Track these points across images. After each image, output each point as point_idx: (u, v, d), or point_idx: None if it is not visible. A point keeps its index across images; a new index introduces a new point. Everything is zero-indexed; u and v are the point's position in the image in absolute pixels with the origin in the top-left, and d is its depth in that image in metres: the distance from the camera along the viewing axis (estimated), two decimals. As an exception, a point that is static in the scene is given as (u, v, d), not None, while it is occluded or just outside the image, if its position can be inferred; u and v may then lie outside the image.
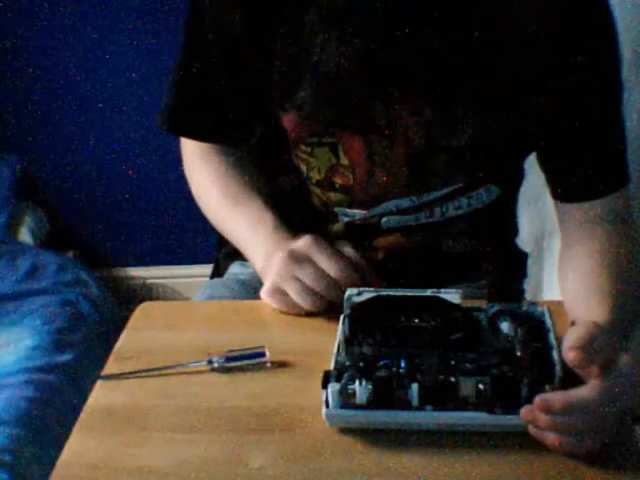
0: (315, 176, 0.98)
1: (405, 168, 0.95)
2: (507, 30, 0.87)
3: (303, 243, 0.89)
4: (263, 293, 0.91)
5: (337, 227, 1.02)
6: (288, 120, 0.94)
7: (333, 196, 0.99)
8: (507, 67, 0.88)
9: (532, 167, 1.06)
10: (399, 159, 0.94)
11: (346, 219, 1.01)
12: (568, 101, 0.91)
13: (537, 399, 0.71)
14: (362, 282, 0.89)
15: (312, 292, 0.88)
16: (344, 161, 0.95)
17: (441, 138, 0.92)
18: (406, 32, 0.86)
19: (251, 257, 0.98)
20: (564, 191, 0.96)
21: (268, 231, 0.95)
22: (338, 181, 0.97)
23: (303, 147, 0.96)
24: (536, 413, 0.71)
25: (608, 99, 0.93)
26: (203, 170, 1.04)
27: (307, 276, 0.87)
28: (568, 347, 0.71)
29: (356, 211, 0.99)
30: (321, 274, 0.87)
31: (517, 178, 1.09)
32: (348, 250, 0.92)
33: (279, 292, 0.90)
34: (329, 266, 0.87)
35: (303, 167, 0.98)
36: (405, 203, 0.98)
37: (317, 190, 0.99)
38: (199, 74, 0.98)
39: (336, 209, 1.00)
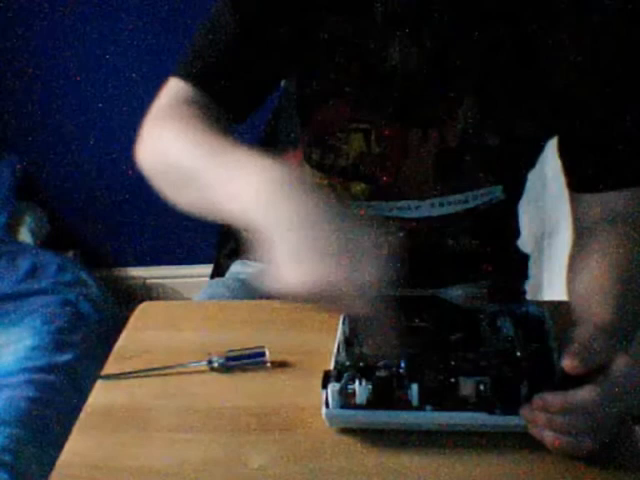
0: (342, 163, 0.98)
1: (432, 165, 0.95)
2: (551, 32, 0.88)
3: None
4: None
5: None
6: (332, 107, 0.95)
7: (354, 186, 0.99)
8: (548, 67, 0.89)
9: (532, 168, 1.06)
10: (429, 153, 0.95)
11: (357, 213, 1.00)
12: (597, 92, 0.91)
13: (536, 398, 0.71)
14: None
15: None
16: (375, 149, 0.95)
17: (474, 136, 0.92)
18: (462, 32, 0.87)
19: (234, 195, 0.73)
20: (582, 180, 0.96)
21: (256, 162, 0.73)
22: (363, 169, 0.97)
23: (339, 134, 0.96)
24: (535, 412, 0.71)
25: (634, 91, 0.93)
26: (187, 119, 0.87)
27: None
28: (566, 355, 0.72)
29: (374, 203, 0.99)
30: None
31: (522, 182, 1.09)
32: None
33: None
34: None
35: (330, 156, 0.98)
36: (425, 205, 0.98)
37: (337, 183, 0.99)
38: (240, 40, 0.91)
39: (350, 203, 1.00)
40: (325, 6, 0.89)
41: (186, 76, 0.92)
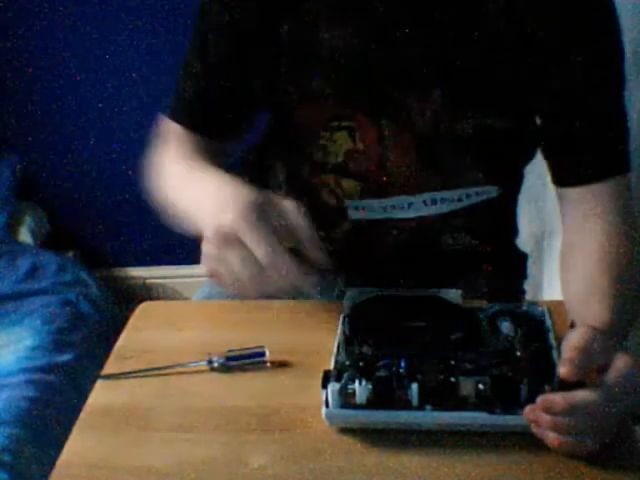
0: (332, 160, 0.98)
1: (414, 156, 0.95)
2: (513, 19, 0.89)
3: (231, 218, 0.74)
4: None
5: (347, 226, 1.02)
6: (305, 108, 0.96)
7: (346, 184, 0.99)
8: (512, 55, 0.90)
9: (532, 168, 1.06)
10: (408, 145, 0.95)
11: (356, 214, 1.01)
12: (571, 84, 0.91)
13: (540, 399, 0.71)
14: (301, 270, 0.75)
15: (242, 279, 0.76)
16: (359, 146, 0.96)
17: (447, 124, 0.93)
18: (417, 18, 0.88)
19: (197, 214, 0.83)
20: (565, 174, 0.96)
21: (218, 183, 0.83)
22: (353, 167, 0.98)
23: (322, 132, 0.97)
24: (538, 413, 0.71)
25: (610, 85, 0.93)
26: (173, 151, 0.99)
27: (232, 262, 0.75)
28: (561, 360, 0.72)
29: (367, 202, 0.99)
30: (247, 260, 0.74)
31: (517, 179, 1.09)
32: (293, 218, 0.77)
33: (216, 273, 0.79)
34: (258, 250, 0.74)
35: (320, 154, 0.98)
36: (417, 202, 0.98)
37: (331, 179, 1.00)
38: (207, 68, 0.99)
39: (347, 202, 1.00)
40: (305, 7, 0.90)
41: (173, 117, 1.02)
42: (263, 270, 0.74)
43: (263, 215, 0.74)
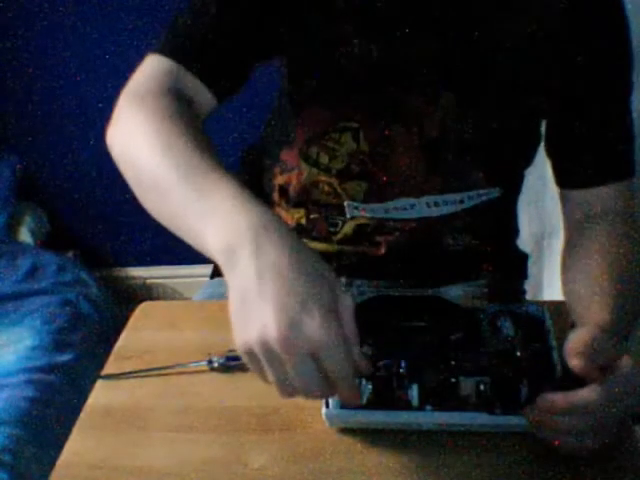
0: (337, 165, 0.98)
1: (418, 157, 0.95)
2: (520, 21, 0.89)
3: (277, 335, 0.61)
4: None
5: (347, 229, 1.02)
6: (307, 109, 0.96)
7: (349, 186, 0.99)
8: (517, 57, 0.90)
9: (532, 169, 1.06)
10: (412, 146, 0.95)
11: (356, 213, 1.00)
12: (578, 88, 0.92)
13: (539, 399, 0.71)
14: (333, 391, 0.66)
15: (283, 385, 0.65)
16: (364, 147, 0.96)
17: (450, 126, 0.93)
18: (418, 18, 0.88)
19: (199, 235, 0.70)
20: (569, 176, 0.97)
21: (227, 194, 0.68)
22: (357, 168, 0.97)
23: (332, 134, 0.96)
24: (538, 413, 0.71)
25: (617, 89, 0.94)
26: (159, 106, 0.82)
27: (273, 374, 0.64)
28: (572, 354, 0.72)
29: (370, 206, 0.99)
30: (287, 379, 0.63)
31: (518, 180, 1.10)
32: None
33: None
34: (296, 374, 0.62)
35: (324, 158, 0.98)
36: (419, 204, 0.98)
37: (335, 182, 0.99)
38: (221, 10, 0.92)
39: (346, 203, 1.00)
40: (306, 7, 0.89)
41: (167, 52, 0.91)
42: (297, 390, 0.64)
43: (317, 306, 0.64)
